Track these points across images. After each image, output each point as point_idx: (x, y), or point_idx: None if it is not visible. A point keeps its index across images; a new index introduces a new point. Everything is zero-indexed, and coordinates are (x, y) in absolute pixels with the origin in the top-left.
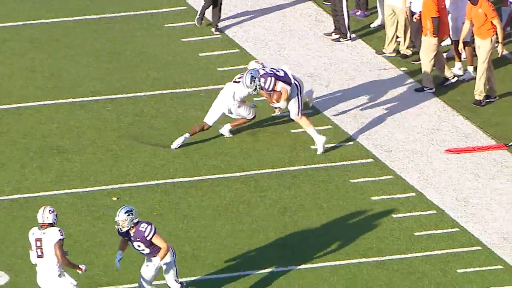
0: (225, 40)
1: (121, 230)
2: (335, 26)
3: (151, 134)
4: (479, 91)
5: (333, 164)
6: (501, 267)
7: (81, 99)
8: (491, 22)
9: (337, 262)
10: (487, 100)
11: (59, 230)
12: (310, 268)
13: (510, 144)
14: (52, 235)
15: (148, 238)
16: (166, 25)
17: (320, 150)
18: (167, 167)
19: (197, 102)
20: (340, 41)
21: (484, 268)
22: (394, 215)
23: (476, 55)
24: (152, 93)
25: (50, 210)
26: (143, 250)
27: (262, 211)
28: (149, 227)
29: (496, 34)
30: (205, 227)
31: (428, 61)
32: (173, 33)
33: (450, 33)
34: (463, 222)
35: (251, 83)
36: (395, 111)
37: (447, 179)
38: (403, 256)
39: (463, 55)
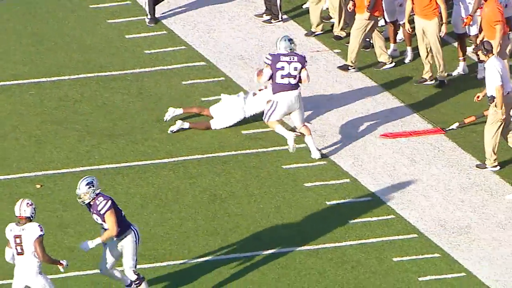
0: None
1: (83, 203)
2: (266, 7)
3: (76, 119)
4: (440, 71)
5: (264, 149)
6: (437, 255)
7: (2, 83)
8: (436, 1)
9: (269, 251)
10: (426, 83)
11: (39, 226)
12: (241, 257)
13: (448, 128)
14: (32, 231)
15: (101, 213)
16: (91, 6)
17: (291, 147)
18: (92, 154)
19: (124, 85)
20: (271, 22)
21: (420, 257)
22: (327, 202)
23: (414, 35)
24: (76, 76)
25: (28, 203)
26: (101, 224)
27: (191, 199)
28: (105, 201)
29: (440, 14)
30: (132, 215)
31: (357, 40)
32: (98, 15)
33: (385, 14)
34: (399, 209)
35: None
36: (329, 95)
37: (383, 164)
38: (337, 244)
39: (399, 36)
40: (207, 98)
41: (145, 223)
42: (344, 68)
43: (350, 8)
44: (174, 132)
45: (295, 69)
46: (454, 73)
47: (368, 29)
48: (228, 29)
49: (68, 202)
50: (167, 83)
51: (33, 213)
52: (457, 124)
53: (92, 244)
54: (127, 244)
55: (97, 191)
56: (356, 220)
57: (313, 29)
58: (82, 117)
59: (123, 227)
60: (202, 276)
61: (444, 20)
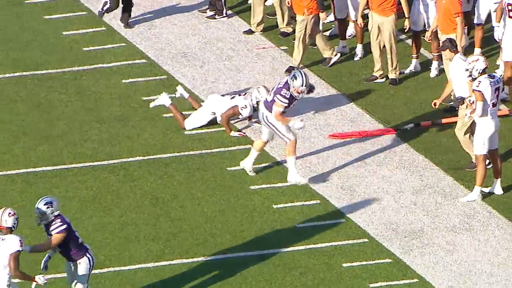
0: (90, 17)
1: (41, 223)
2: (210, 2)
3: (11, 119)
4: (393, 68)
5: (209, 151)
6: (389, 260)
7: None
8: None
9: (213, 257)
10: (376, 81)
11: (20, 240)
12: (185, 263)
13: (402, 128)
14: (11, 244)
15: (52, 233)
16: (26, 1)
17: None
18: (28, 155)
19: (61, 84)
20: (215, 18)
21: (371, 262)
22: (275, 206)
23: (366, 32)
24: (11, 74)
25: (10, 213)
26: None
27: (132, 202)
28: (60, 224)
29: (397, 11)
30: (70, 220)
31: (298, 41)
32: (34, 10)
33: (335, 10)
34: (348, 213)
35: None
36: None
37: (332, 166)
38: (284, 249)
39: (349, 33)
40: (149, 97)
41: (84, 228)
42: (290, 70)
43: (288, 3)
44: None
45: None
46: (407, 71)
47: (310, 28)
48: (170, 25)
49: (3, 206)
50: (106, 81)
51: (15, 224)
52: (411, 125)
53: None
54: (80, 270)
55: (56, 213)
56: (304, 224)
57: (252, 29)
58: (17, 117)
59: (79, 251)
60: (144, 283)
61: (406, 15)
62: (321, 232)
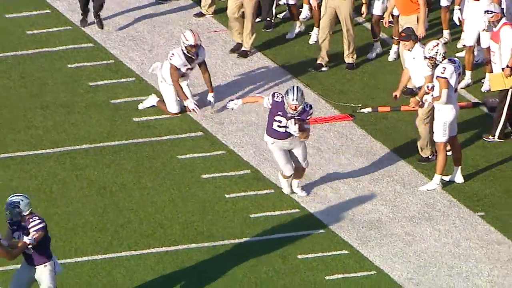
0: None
1: (11, 220)
2: None
3: None
4: (351, 54)
5: (158, 138)
6: (346, 251)
7: None
8: None
9: (163, 248)
10: (322, 69)
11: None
12: (134, 255)
13: (358, 110)
14: None
15: (30, 230)
16: None
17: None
18: None
19: (4, 69)
20: (165, 1)
21: (327, 254)
22: (227, 195)
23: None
24: None
25: None
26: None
27: (78, 192)
28: (39, 221)
29: None
30: None
31: (247, 22)
32: None
33: None
34: (304, 202)
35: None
36: (227, 79)
37: None
38: (237, 240)
39: (303, 15)
40: (96, 82)
41: None
42: (243, 54)
43: None
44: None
45: None
46: (372, 55)
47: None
48: (118, 8)
49: None
50: (51, 66)
51: None
52: (369, 109)
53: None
54: (45, 274)
55: (25, 212)
56: (257, 215)
57: (203, 11)
58: None
59: (45, 254)
60: (90, 276)
61: (364, 0)
62: (275, 222)
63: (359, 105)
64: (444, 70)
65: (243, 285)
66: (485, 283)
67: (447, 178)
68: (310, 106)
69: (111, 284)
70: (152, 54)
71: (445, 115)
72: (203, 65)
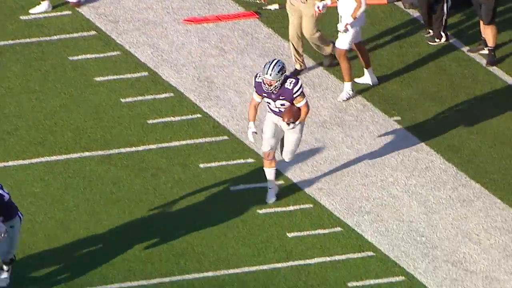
0: None
1: None
2: None
3: None
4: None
5: (47, 38)
6: (251, 160)
7: None
8: None
9: (53, 157)
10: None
11: None
12: (22, 164)
13: (264, 8)
14: None
15: None
16: None
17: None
18: None
19: None
20: None
21: (231, 162)
22: (122, 99)
23: None
24: None
25: None
26: None
27: None
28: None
29: None
30: None
31: None
32: None
33: None
34: (206, 107)
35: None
36: None
37: (187, 55)
38: (134, 149)
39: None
40: None
41: None
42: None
43: None
44: None
45: None
46: None
47: None
48: None
49: None
50: None
51: None
52: (276, 6)
53: None
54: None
55: None
56: (156, 120)
57: None
58: None
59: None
60: None
61: None
62: (175, 128)
63: (265, 1)
64: None
65: (141, 196)
66: (402, 193)
67: (360, 81)
68: (296, 82)
69: None
70: None
71: (357, 22)
72: None
